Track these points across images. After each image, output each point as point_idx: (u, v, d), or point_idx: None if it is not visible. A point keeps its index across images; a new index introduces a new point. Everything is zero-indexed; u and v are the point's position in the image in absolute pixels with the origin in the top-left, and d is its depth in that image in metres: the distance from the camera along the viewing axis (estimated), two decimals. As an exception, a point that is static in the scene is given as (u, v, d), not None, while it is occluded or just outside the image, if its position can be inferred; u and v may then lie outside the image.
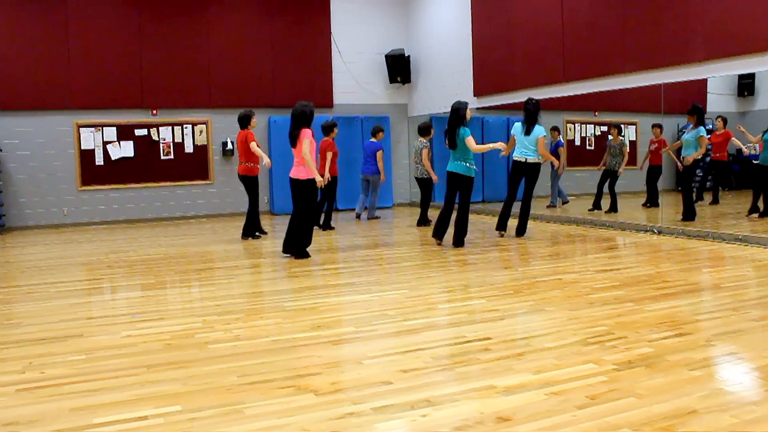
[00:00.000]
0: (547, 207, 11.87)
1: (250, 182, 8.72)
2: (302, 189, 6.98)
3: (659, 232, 8.44)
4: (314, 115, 7.08)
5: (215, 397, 3.03)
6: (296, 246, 7.10)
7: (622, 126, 11.15)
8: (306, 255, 7.12)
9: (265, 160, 8.55)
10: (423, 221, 10.16)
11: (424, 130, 10.19)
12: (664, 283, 5.35)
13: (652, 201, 11.17)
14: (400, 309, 4.71)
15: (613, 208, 10.83)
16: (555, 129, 12.25)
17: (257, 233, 9.08)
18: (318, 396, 3.00)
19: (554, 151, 11.88)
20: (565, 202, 12.13)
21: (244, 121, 8.63)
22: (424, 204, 10.30)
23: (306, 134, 6.86)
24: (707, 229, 8.09)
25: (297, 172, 6.98)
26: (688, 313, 4.38)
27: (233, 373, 3.36)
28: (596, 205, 10.94)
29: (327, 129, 9.63)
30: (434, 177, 10.03)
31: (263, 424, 2.71)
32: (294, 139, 6.97)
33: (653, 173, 11.01)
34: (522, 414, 2.72)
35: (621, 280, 5.51)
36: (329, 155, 9.46)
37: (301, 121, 6.97)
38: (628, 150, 10.89)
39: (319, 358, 3.58)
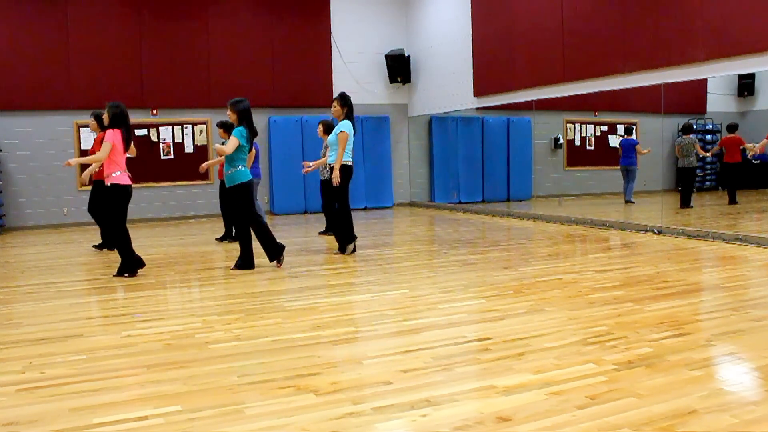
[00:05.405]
0: (626, 202, 12.09)
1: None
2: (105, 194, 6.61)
3: (659, 232, 8.44)
4: (125, 115, 6.72)
5: (215, 397, 3.03)
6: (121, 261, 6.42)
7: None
8: (127, 272, 6.32)
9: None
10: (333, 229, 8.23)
11: (330, 127, 8.39)
12: (664, 283, 5.35)
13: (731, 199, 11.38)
14: (400, 309, 4.71)
15: (686, 204, 10.83)
16: (629, 131, 12.31)
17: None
18: (318, 396, 3.00)
19: (633, 149, 11.97)
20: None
21: (101, 120, 7.49)
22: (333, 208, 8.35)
23: (108, 135, 6.56)
24: (707, 229, 8.09)
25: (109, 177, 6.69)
26: (688, 313, 4.38)
27: (233, 373, 3.36)
28: (686, 204, 10.90)
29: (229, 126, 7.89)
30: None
31: (263, 424, 2.71)
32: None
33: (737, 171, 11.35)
34: (522, 414, 2.72)
35: (621, 280, 5.51)
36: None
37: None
38: (700, 146, 10.89)
39: (319, 358, 3.58)
